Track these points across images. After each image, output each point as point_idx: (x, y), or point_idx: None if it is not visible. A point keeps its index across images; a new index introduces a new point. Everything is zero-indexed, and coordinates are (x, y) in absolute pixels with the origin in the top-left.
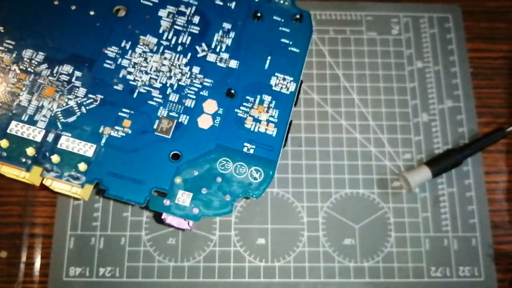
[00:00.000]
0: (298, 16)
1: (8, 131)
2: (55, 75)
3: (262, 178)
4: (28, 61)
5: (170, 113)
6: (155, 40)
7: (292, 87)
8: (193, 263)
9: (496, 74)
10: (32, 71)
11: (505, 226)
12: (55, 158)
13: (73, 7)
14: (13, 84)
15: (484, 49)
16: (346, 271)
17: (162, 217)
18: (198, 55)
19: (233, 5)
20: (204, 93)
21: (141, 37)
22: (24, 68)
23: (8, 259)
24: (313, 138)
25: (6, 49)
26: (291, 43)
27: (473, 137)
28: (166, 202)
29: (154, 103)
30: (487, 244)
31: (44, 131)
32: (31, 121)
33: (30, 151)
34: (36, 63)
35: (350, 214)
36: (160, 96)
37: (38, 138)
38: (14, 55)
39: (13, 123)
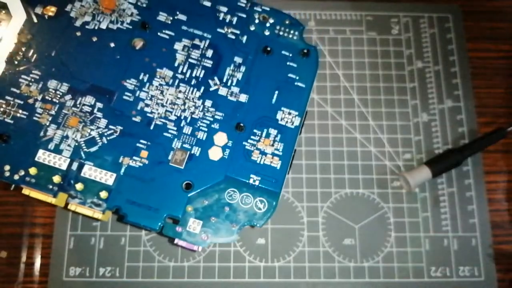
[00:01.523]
0: (305, 51)
1: (36, 159)
2: (78, 106)
3: (266, 209)
4: (53, 91)
5: (184, 145)
6: (170, 73)
7: (297, 121)
8: (193, 263)
9: (496, 74)
10: (57, 101)
11: (505, 226)
12: (79, 186)
13: (94, 39)
14: (40, 114)
15: (484, 49)
16: (346, 271)
17: (175, 241)
18: (211, 89)
19: (244, 39)
20: (215, 126)
21: (157, 70)
22: (49, 99)
23: (8, 259)
24: (313, 138)
25: (33, 80)
26: (297, 78)
27: (473, 137)
28: (179, 229)
29: (169, 135)
30: (487, 244)
31: (69, 159)
32: (57, 150)
33: (57, 178)
34: (60, 94)
35: (350, 214)
36: (175, 128)
37: (64, 167)
38: (40, 85)
39: (41, 151)
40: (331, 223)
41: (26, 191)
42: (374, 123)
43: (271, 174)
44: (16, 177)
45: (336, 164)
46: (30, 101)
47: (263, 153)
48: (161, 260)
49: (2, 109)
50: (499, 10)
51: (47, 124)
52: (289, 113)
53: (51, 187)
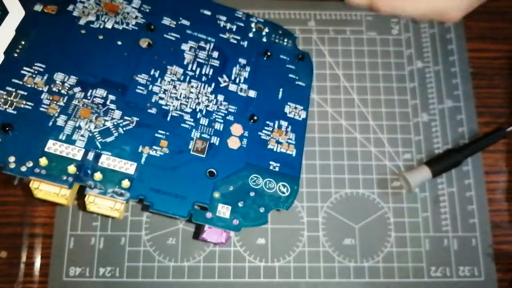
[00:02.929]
0: (300, 56)
1: (46, 149)
2: (89, 98)
3: (289, 192)
4: (61, 83)
5: (203, 135)
6: (181, 71)
7: (303, 114)
8: (193, 263)
9: (496, 74)
10: (65, 93)
11: (505, 226)
12: (98, 175)
13: (101, 37)
14: (47, 105)
15: (484, 49)
16: (346, 271)
17: (202, 237)
18: (221, 85)
19: (245, 43)
20: (230, 118)
21: (168, 67)
22: (57, 90)
23: (8, 259)
24: (313, 138)
25: (36, 72)
26: (297, 78)
27: (473, 137)
28: (208, 214)
29: (187, 126)
30: (487, 244)
31: (83, 150)
32: (69, 141)
33: (72, 168)
34: (68, 86)
35: (350, 214)
36: (192, 120)
37: (78, 157)
38: (45, 77)
39: (51, 142)
40: (331, 223)
41: (35, 183)
42: (374, 123)
43: (289, 160)
44: (23, 168)
45: (336, 164)
46: (36, 92)
47: (278, 142)
48: (161, 260)
49: (3, 100)
50: (499, 10)
51: (56, 115)
52: (295, 108)
53: (65, 177)
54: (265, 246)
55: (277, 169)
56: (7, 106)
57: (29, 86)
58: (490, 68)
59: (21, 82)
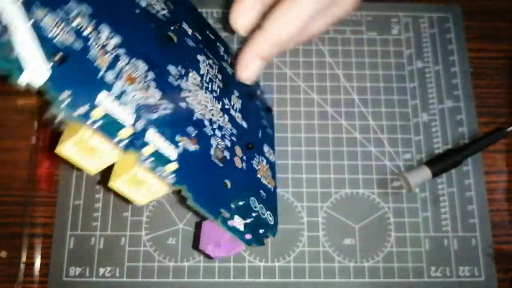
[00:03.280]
0: (267, 108)
1: (96, 102)
2: (132, 65)
3: (273, 222)
4: (106, 39)
5: (218, 146)
6: (199, 78)
7: (273, 157)
8: (193, 263)
9: (496, 74)
10: (111, 50)
11: (505, 226)
12: (150, 149)
13: (137, 11)
14: (96, 54)
15: (484, 49)
16: (346, 271)
17: (200, 247)
18: (226, 106)
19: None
20: (234, 138)
21: (189, 69)
22: (103, 44)
23: (8, 259)
24: (313, 138)
25: (84, 12)
26: (267, 125)
27: (473, 137)
28: (231, 223)
29: (208, 132)
30: (487, 244)
31: (134, 115)
32: (119, 101)
33: (126, 131)
34: (114, 44)
35: (350, 214)
36: (210, 127)
37: (130, 122)
38: (93, 23)
39: (103, 93)
40: (331, 223)
41: (87, 133)
42: (374, 123)
43: (269, 193)
44: (80, 111)
45: (336, 164)
46: (84, 34)
47: (263, 175)
48: (161, 260)
49: (53, 26)
50: (499, 10)
51: (105, 69)
52: (268, 150)
53: (118, 139)
54: (265, 246)
55: (264, 197)
56: (59, 33)
57: (76, 25)
58: (490, 68)
59: (67, 17)
